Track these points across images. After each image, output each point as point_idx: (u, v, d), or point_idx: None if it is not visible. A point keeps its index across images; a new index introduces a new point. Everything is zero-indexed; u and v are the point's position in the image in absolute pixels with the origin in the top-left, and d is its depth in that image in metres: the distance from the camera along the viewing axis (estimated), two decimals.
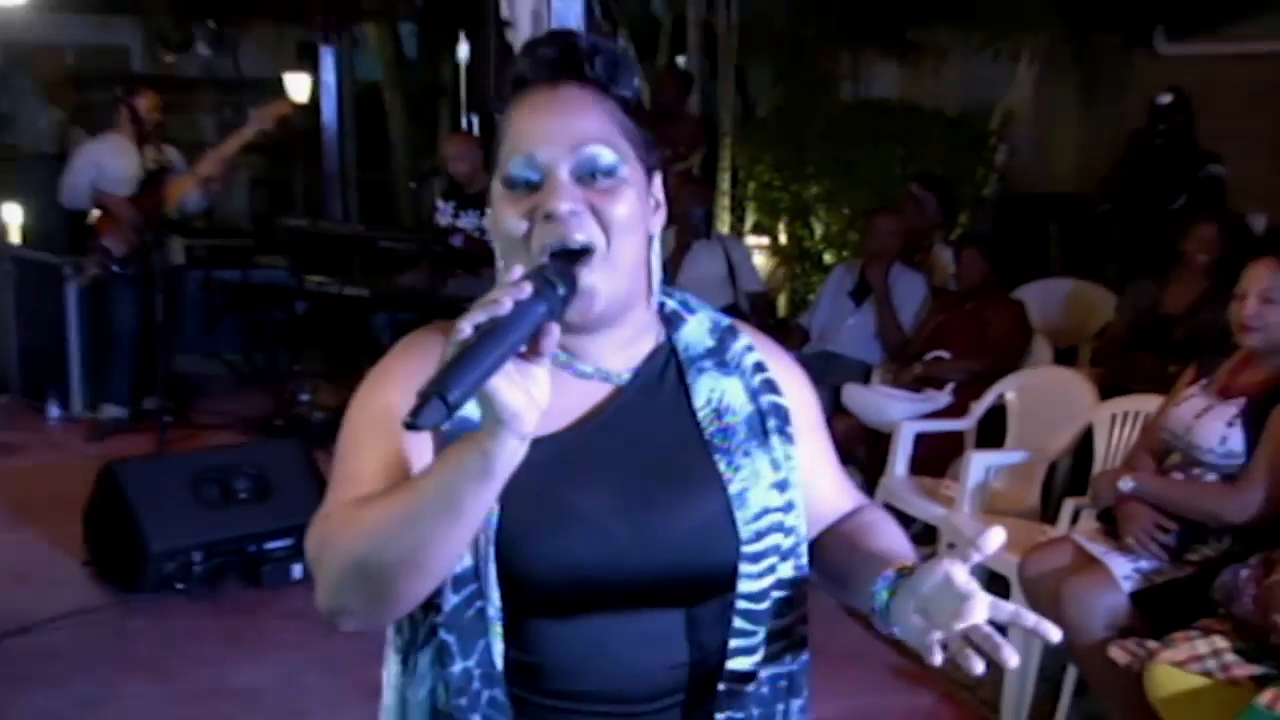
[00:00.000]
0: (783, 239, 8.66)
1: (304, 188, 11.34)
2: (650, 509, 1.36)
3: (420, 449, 1.33)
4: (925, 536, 4.72)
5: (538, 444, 1.19)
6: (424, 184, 9.97)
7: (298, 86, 9.81)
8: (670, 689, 1.39)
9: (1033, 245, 7.77)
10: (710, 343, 1.47)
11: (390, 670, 1.44)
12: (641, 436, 1.41)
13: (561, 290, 1.24)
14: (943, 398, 5.16)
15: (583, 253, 1.32)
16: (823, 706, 4.13)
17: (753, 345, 1.50)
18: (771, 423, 1.44)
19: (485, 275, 6.84)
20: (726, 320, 1.51)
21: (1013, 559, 3.77)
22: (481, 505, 1.17)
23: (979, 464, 4.33)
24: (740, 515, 1.38)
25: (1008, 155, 8.53)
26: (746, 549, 1.37)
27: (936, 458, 4.85)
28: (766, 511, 1.39)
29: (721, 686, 1.39)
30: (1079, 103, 9.08)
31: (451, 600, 1.32)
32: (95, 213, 6.80)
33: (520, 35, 4.77)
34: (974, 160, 8.26)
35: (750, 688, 1.40)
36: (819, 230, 8.43)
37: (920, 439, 4.86)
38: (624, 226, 1.35)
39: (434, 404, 1.07)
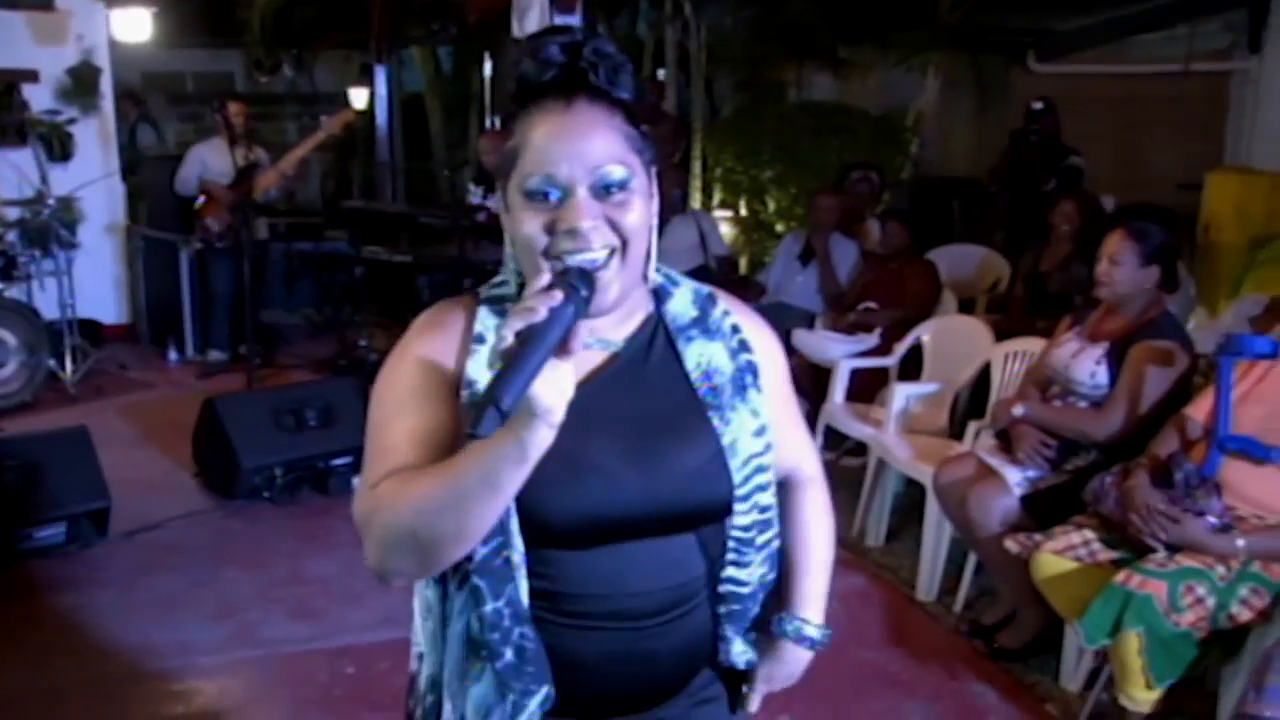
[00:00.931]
0: (743, 212, 8.59)
1: (362, 176, 11.28)
2: (654, 458, 1.26)
3: (442, 416, 1.23)
4: (859, 450, 4.66)
5: None
6: (457, 172, 9.89)
7: (358, 98, 9.72)
8: (672, 604, 1.30)
9: (940, 218, 7.71)
10: (694, 312, 1.36)
11: (426, 595, 1.33)
12: (640, 396, 1.30)
13: (585, 292, 1.12)
14: (872, 340, 5.07)
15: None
16: None
17: (729, 310, 1.39)
18: (748, 377, 1.34)
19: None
20: (706, 289, 1.40)
21: (928, 469, 3.70)
22: (517, 483, 1.09)
23: (900, 393, 4.25)
24: (732, 462, 1.30)
25: (919, 147, 8.50)
26: (738, 490, 1.31)
27: (867, 388, 4.78)
28: (752, 456, 1.31)
29: (722, 591, 1.34)
30: (973, 107, 9.11)
31: (481, 551, 1.22)
32: (200, 199, 6.69)
33: None
34: (893, 150, 8.25)
35: (745, 592, 1.34)
36: (772, 205, 8.38)
37: (854, 374, 4.77)
38: (635, 231, 1.23)
39: (490, 413, 0.99)
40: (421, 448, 1.20)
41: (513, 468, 1.07)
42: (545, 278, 1.11)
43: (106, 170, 7.47)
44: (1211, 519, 2.74)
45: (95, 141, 7.48)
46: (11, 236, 6.18)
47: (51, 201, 6.28)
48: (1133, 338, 3.31)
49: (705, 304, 1.38)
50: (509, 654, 1.23)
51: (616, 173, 1.21)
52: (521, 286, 1.27)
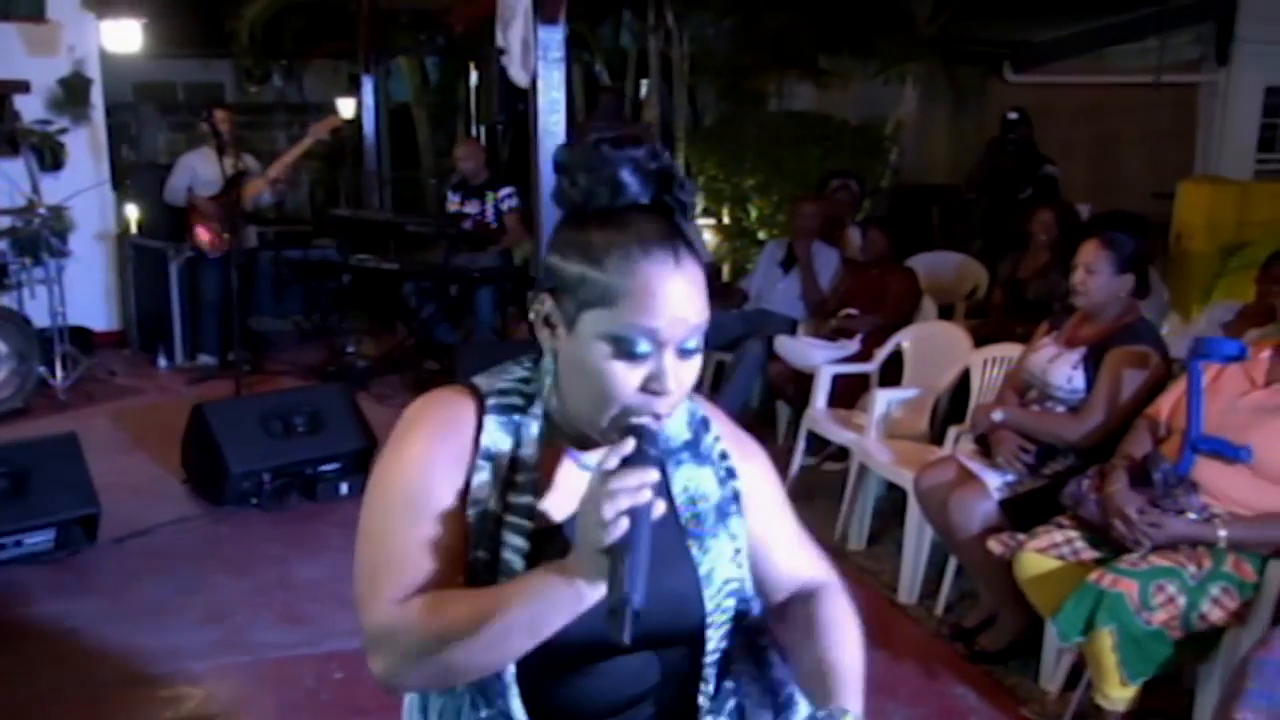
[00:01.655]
0: (726, 220, 8.59)
1: (350, 185, 11.26)
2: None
3: (453, 528, 1.17)
4: (841, 454, 4.64)
5: (557, 532, 1.10)
6: (444, 181, 9.88)
7: (346, 108, 9.70)
8: (639, 696, 1.28)
9: (919, 225, 7.75)
10: (687, 435, 1.31)
11: (409, 701, 1.28)
12: None
13: (655, 454, 1.09)
14: (853, 346, 5.06)
15: None
16: None
17: (720, 435, 1.35)
18: (732, 506, 1.31)
19: (490, 251, 6.73)
20: (701, 412, 1.35)
21: (909, 474, 3.69)
22: (561, 625, 1.07)
23: (882, 399, 4.24)
24: (707, 592, 1.27)
25: (899, 156, 8.53)
26: (710, 618, 1.27)
27: (849, 394, 4.76)
28: (727, 582, 1.28)
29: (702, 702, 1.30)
30: (950, 116, 9.19)
31: None
32: (189, 210, 6.67)
33: (513, 59, 4.60)
34: (873, 159, 8.26)
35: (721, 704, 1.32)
36: (754, 213, 8.38)
37: (836, 379, 4.76)
38: (692, 383, 1.19)
39: (629, 613, 0.98)
40: (436, 561, 1.15)
41: (565, 613, 1.05)
42: (630, 444, 1.07)
43: (97, 179, 7.43)
44: (1192, 515, 2.74)
45: (86, 151, 7.44)
46: (3, 245, 6.14)
47: (43, 210, 6.23)
48: (1109, 343, 3.32)
49: (699, 428, 1.34)
50: None
51: (698, 338, 1.17)
52: (528, 398, 1.22)
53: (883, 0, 8.20)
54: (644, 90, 9.95)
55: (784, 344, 5.20)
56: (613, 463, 1.06)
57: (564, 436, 1.24)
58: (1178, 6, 8.09)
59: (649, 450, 1.07)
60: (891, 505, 4.27)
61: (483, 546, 1.15)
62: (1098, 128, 9.28)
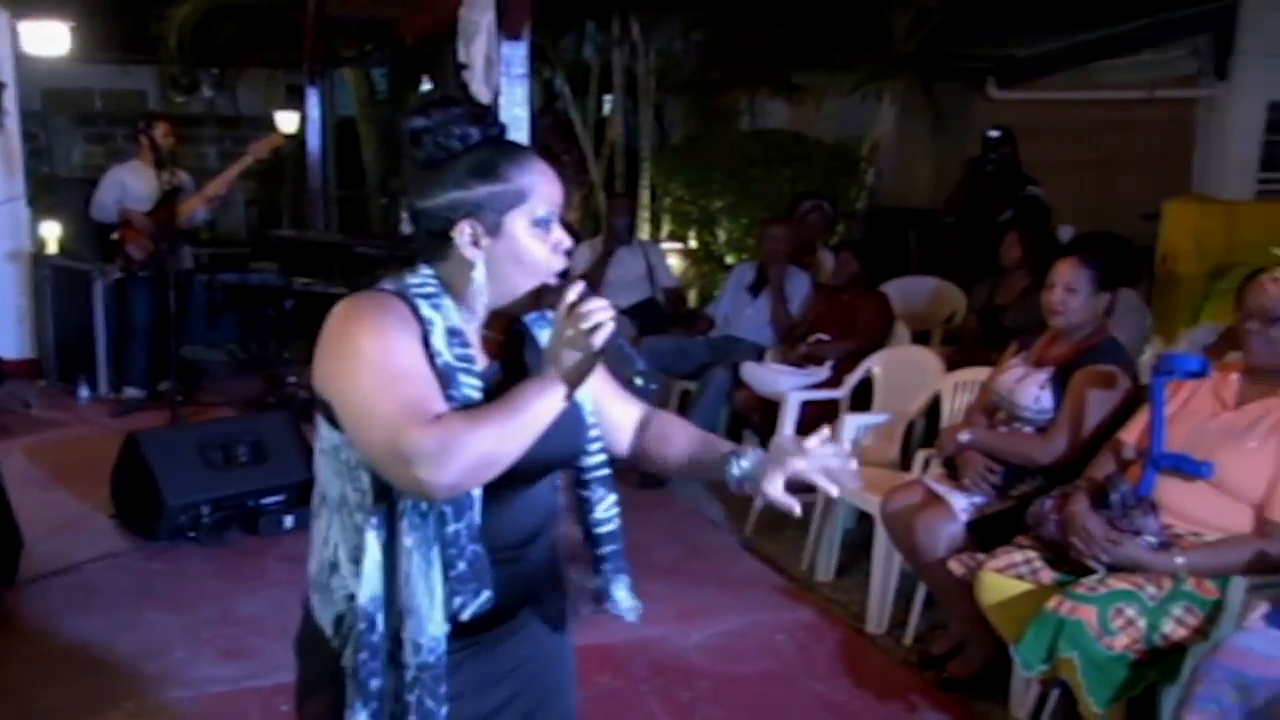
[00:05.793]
0: (693, 244, 8.79)
1: (291, 204, 11.36)
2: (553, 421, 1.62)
3: (426, 368, 1.57)
4: (809, 486, 4.86)
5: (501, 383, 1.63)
6: (392, 200, 10.02)
7: (287, 122, 9.85)
8: (535, 532, 1.74)
9: (896, 249, 7.99)
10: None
11: (367, 539, 1.61)
12: (537, 366, 1.67)
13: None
14: (822, 372, 5.31)
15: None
16: (726, 621, 4.34)
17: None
18: None
19: None
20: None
21: (876, 499, 3.94)
22: (548, 422, 1.55)
23: (851, 425, 4.49)
24: (587, 414, 1.78)
25: (875, 176, 8.72)
26: (591, 432, 1.79)
27: (818, 421, 4.93)
28: (590, 413, 1.79)
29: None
30: (930, 135, 9.34)
31: None
32: (120, 225, 6.81)
33: (475, 75, 4.87)
34: (848, 180, 8.45)
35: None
36: (722, 236, 8.57)
37: (805, 406, 5.00)
38: None
39: (646, 373, 1.52)
40: (437, 391, 1.55)
41: (551, 414, 1.53)
42: (578, 286, 1.56)
43: (9, 194, 7.55)
44: (1149, 538, 3.00)
45: None
46: None
47: None
48: (1076, 363, 3.60)
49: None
50: (462, 565, 1.58)
51: None
52: (436, 292, 1.64)
53: (859, 14, 8.36)
54: (607, 106, 10.18)
55: (751, 370, 5.46)
56: (574, 296, 1.54)
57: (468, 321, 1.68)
58: (1173, 18, 8.31)
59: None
60: (861, 537, 4.53)
61: (448, 388, 1.57)
62: (1089, 146, 9.53)
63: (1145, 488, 3.07)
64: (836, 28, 8.43)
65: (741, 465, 1.74)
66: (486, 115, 1.67)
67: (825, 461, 1.68)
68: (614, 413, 1.88)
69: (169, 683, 3.58)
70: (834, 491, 1.70)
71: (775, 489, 1.69)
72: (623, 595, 1.85)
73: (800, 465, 1.67)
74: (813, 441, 1.68)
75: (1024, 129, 7.12)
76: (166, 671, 3.65)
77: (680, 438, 1.88)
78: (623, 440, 1.90)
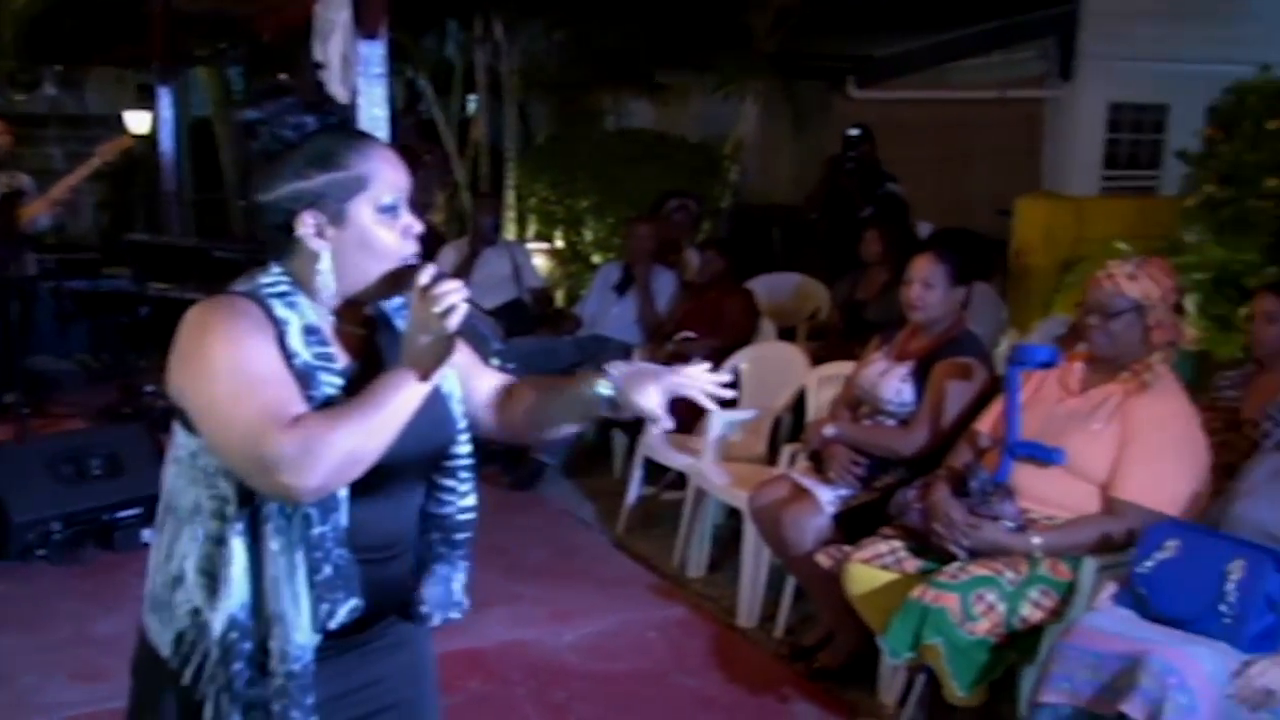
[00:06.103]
0: (559, 243, 8.81)
1: (145, 208, 11.03)
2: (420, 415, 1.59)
3: (284, 370, 1.55)
4: (680, 482, 4.94)
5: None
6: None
7: (137, 122, 9.58)
8: (401, 534, 1.74)
9: (760, 246, 8.12)
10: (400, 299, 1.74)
11: (239, 548, 1.59)
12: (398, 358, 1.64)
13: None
14: None
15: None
16: (598, 620, 4.36)
17: None
18: None
19: None
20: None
21: (745, 494, 4.01)
22: (411, 412, 1.53)
23: (718, 421, 4.54)
24: (454, 407, 1.76)
25: (739, 175, 8.86)
26: (459, 424, 1.76)
27: (687, 418, 5.03)
28: (458, 402, 1.78)
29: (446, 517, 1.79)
30: (791, 134, 9.56)
31: None
32: None
33: (332, 75, 4.80)
34: (712, 178, 8.55)
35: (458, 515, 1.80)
36: (589, 236, 8.59)
37: (673, 403, 5.02)
38: None
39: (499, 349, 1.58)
40: (295, 393, 1.53)
41: (414, 403, 1.52)
42: (430, 269, 1.55)
43: None
44: (1007, 522, 3.12)
45: None
46: None
47: None
48: (936, 356, 3.72)
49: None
50: (328, 570, 1.57)
51: None
52: (288, 289, 1.61)
53: (720, 14, 8.50)
54: (471, 106, 10.13)
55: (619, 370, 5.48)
56: (425, 279, 1.53)
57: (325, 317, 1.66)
58: (1021, 21, 8.70)
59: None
60: (731, 533, 4.59)
61: (308, 389, 1.55)
62: (945, 144, 9.84)
63: (1002, 474, 3.19)
64: (698, 28, 8.54)
65: (610, 382, 1.72)
66: (323, 103, 1.67)
67: (699, 381, 1.71)
68: (481, 390, 1.87)
69: (19, 709, 3.46)
70: (711, 405, 1.74)
71: (649, 399, 1.69)
72: (457, 588, 1.80)
73: (675, 379, 1.70)
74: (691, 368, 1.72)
75: (883, 128, 7.33)
76: (17, 698, 3.53)
77: (538, 390, 1.86)
78: (491, 417, 1.88)
